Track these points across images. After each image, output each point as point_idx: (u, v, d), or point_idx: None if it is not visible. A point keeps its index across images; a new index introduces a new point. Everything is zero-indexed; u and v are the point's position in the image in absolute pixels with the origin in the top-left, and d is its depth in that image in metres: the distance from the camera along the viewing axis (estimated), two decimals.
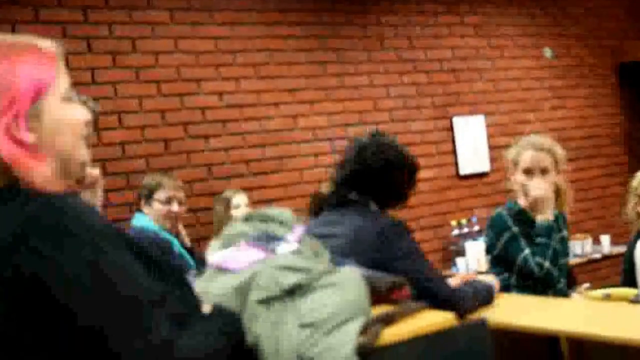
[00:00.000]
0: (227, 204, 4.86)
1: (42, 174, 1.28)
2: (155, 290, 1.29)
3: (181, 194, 4.00)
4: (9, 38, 1.37)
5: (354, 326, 1.61)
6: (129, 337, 1.21)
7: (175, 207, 3.91)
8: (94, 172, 3.35)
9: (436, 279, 2.45)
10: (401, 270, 2.24)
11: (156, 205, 3.89)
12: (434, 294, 2.31)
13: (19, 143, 1.28)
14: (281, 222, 1.84)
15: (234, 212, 4.79)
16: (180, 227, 4.10)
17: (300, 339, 1.54)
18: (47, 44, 1.39)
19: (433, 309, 1.94)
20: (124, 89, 4.99)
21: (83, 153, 1.39)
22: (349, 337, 1.58)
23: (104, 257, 1.24)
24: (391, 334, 1.70)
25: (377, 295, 1.94)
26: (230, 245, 1.80)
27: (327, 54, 5.93)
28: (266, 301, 1.58)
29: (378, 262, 2.31)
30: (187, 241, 4.16)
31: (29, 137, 1.30)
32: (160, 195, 3.90)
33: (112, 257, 1.25)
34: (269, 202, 5.38)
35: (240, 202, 4.88)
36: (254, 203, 5.02)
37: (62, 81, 1.37)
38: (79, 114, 1.40)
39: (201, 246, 4.69)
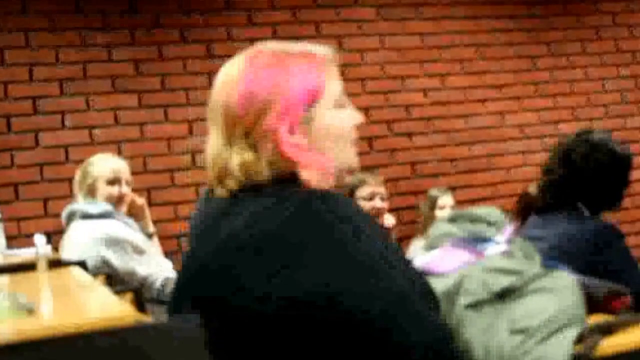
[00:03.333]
0: (433, 204, 4.82)
1: (312, 176, 1.33)
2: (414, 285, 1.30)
3: (383, 190, 4.01)
4: (283, 46, 1.43)
5: (570, 335, 1.52)
6: (415, 331, 1.21)
7: (378, 202, 3.92)
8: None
9: None
10: (611, 278, 2.09)
11: (360, 203, 3.92)
12: None
13: (295, 147, 1.33)
14: (490, 223, 1.78)
15: (439, 213, 4.74)
16: (387, 222, 4.09)
17: (511, 346, 1.47)
18: (320, 50, 1.44)
19: None
20: None
21: (351, 158, 1.43)
22: (564, 346, 1.49)
23: (382, 252, 1.26)
24: (611, 345, 1.57)
25: (594, 303, 1.81)
26: (436, 246, 1.75)
27: (538, 47, 5.72)
28: (475, 305, 1.52)
29: (586, 268, 2.17)
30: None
31: (304, 141, 1.35)
32: (363, 192, 3.93)
33: (384, 254, 1.26)
34: (475, 201, 5.27)
35: (446, 202, 4.82)
36: (459, 202, 4.93)
37: (333, 87, 1.41)
38: (348, 119, 1.43)
39: (405, 245, 4.67)
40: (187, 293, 1.34)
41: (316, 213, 1.25)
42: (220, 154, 1.35)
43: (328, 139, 1.38)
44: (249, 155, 1.32)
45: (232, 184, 1.33)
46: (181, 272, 1.41)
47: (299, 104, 1.35)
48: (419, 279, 1.36)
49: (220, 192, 1.36)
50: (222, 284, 1.25)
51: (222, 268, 1.26)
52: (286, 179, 1.32)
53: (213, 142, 1.38)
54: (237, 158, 1.32)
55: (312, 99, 1.37)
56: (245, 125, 1.33)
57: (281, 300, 1.19)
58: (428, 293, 1.35)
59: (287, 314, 1.19)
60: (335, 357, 1.20)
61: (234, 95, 1.35)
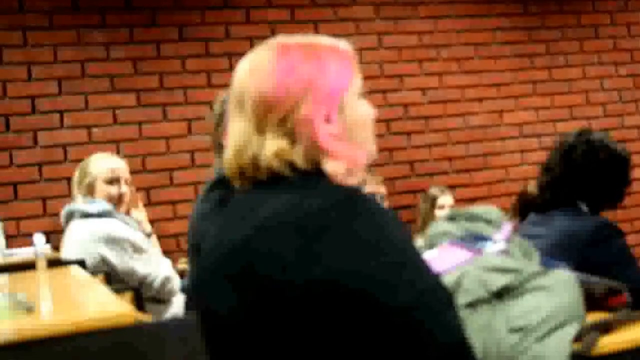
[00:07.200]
0: (433, 203, 4.82)
1: (343, 166, 1.34)
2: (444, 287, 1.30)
3: (383, 190, 4.02)
4: (310, 39, 1.43)
5: (568, 333, 1.52)
6: (437, 328, 1.20)
7: None
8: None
9: None
10: (605, 273, 2.10)
11: None
12: None
13: (331, 137, 1.34)
14: (488, 221, 1.78)
15: (438, 212, 4.74)
16: None
17: (509, 345, 1.47)
18: (343, 44, 1.45)
19: None
20: None
21: (373, 147, 1.45)
22: (562, 344, 1.49)
23: (409, 250, 1.26)
24: (609, 343, 1.59)
25: (592, 301, 1.82)
26: (434, 245, 1.76)
27: (535, 46, 5.72)
28: (474, 304, 1.52)
29: (585, 265, 2.18)
30: None
31: (337, 131, 1.36)
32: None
33: (412, 251, 1.27)
34: (472, 200, 5.27)
35: (445, 202, 4.83)
36: (457, 201, 4.93)
37: (357, 78, 1.43)
38: (370, 110, 1.45)
39: None
40: (218, 273, 1.32)
41: (354, 203, 1.26)
42: (249, 142, 1.33)
43: (357, 128, 1.39)
44: (284, 143, 1.31)
45: (258, 173, 1.33)
46: (205, 256, 1.41)
47: (335, 93, 1.36)
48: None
49: (239, 183, 1.35)
50: (266, 261, 1.24)
51: (265, 246, 1.25)
52: (311, 173, 1.32)
53: (239, 131, 1.36)
54: (272, 145, 1.31)
55: (344, 88, 1.38)
56: (282, 112, 1.32)
57: (314, 282, 1.20)
58: (449, 293, 1.36)
59: (316, 297, 1.20)
60: (356, 343, 1.20)
61: (268, 82, 1.34)
